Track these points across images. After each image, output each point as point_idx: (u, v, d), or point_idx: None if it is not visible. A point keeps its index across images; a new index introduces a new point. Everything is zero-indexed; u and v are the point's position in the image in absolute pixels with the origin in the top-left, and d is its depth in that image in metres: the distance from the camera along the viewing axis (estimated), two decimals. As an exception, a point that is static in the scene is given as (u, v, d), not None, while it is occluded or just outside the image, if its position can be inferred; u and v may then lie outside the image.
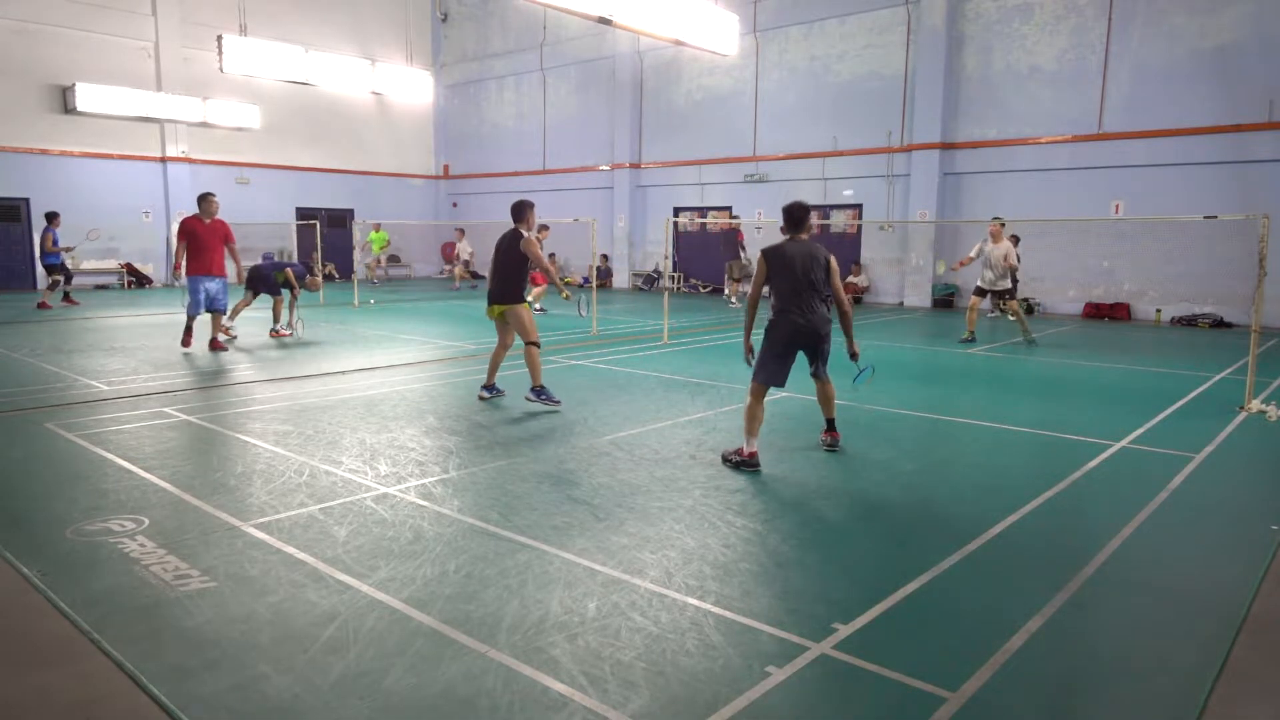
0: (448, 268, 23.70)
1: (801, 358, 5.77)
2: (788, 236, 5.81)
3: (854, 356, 5.87)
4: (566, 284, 7.12)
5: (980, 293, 12.09)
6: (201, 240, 10.14)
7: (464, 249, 23.53)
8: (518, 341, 7.50)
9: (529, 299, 7.46)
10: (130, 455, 5.65)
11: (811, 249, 5.74)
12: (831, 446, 6.02)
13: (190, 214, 10.48)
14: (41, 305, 15.94)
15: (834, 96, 19.35)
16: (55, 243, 15.93)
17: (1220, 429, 6.74)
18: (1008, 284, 11.90)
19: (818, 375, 5.93)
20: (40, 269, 20.23)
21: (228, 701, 2.72)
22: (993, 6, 17.07)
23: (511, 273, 7.21)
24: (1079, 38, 16.07)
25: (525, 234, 7.18)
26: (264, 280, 11.84)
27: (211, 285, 10.34)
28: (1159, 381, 9.16)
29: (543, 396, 7.24)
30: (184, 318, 10.59)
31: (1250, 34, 14.34)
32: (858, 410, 7.29)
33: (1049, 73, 16.48)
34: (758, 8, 20.00)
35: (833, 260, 5.83)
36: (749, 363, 5.77)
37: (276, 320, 12.07)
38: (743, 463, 5.50)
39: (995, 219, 11.92)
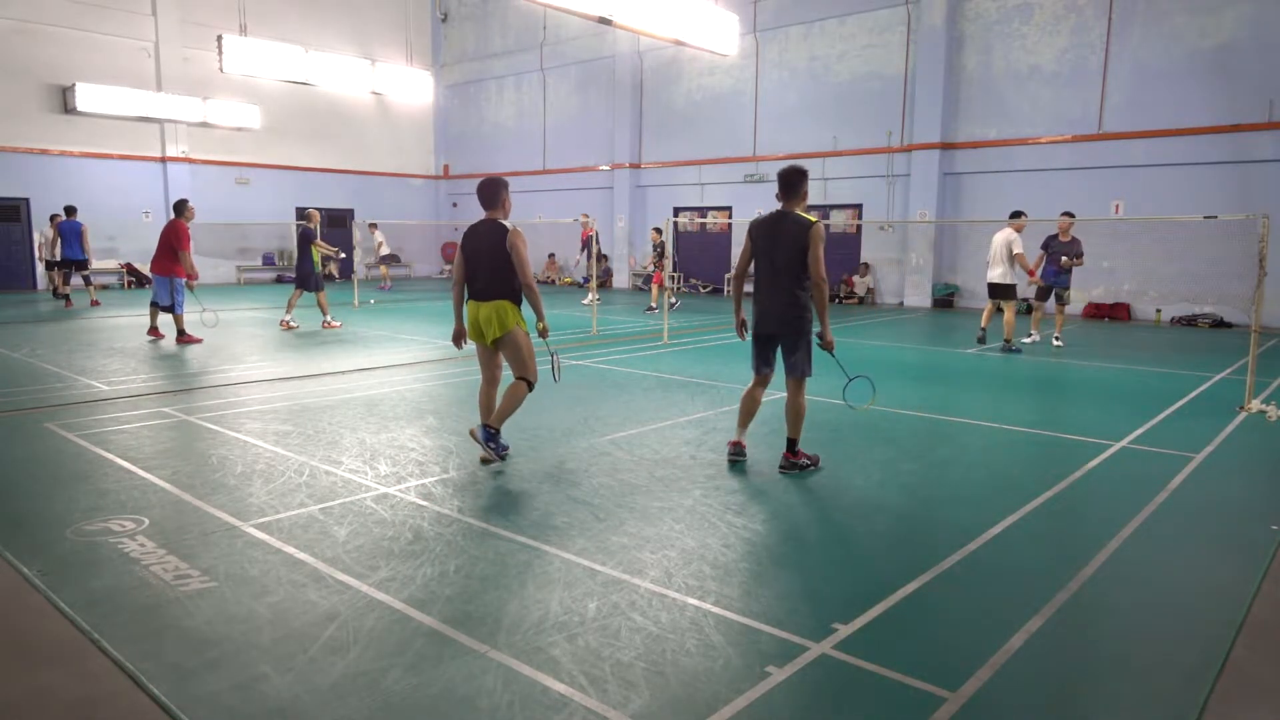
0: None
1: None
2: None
3: (826, 347, 5.16)
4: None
5: None
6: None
7: (380, 241, 22.61)
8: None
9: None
10: (130, 455, 5.65)
11: (777, 222, 5.08)
12: (786, 469, 5.24)
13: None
14: (94, 304, 16.50)
15: (834, 96, 19.34)
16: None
17: (1220, 429, 6.74)
18: None
19: (788, 378, 5.24)
20: (40, 269, 20.34)
21: (228, 701, 2.72)
22: (993, 6, 17.07)
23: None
24: (1079, 38, 16.06)
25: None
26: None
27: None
28: (1159, 381, 9.16)
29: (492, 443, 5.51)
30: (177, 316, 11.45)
31: (1250, 34, 14.34)
32: (858, 409, 7.29)
33: (1049, 73, 16.47)
34: (758, 8, 20.00)
35: (814, 233, 4.94)
36: (742, 337, 5.51)
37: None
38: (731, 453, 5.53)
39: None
